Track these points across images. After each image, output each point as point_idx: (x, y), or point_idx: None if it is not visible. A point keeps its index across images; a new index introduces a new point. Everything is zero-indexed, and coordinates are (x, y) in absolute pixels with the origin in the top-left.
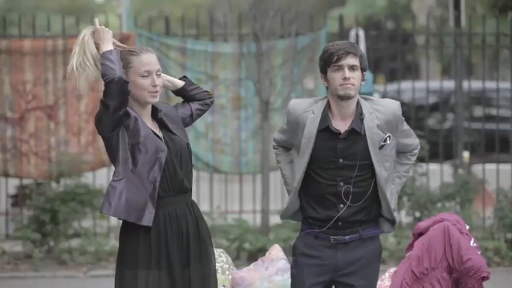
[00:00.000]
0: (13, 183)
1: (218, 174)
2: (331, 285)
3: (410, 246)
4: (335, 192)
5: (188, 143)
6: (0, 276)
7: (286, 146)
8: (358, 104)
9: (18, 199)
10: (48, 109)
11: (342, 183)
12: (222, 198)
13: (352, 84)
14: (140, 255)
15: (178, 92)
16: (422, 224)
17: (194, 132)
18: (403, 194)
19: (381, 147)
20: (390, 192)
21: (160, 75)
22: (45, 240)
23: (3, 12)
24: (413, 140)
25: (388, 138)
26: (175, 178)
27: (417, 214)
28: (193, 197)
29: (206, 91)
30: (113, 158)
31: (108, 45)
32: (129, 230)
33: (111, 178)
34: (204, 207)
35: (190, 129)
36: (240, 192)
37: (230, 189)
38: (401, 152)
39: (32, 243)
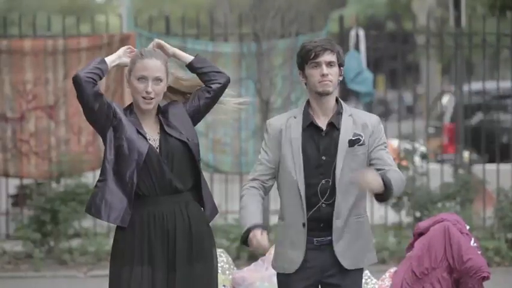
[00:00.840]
0: (13, 183)
1: (218, 174)
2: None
3: (411, 246)
4: (321, 191)
5: (189, 141)
6: (0, 276)
7: (264, 180)
8: (338, 101)
9: (19, 199)
10: (48, 109)
11: (324, 181)
12: (222, 198)
13: (330, 81)
14: (125, 252)
15: (188, 66)
16: (423, 224)
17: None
18: (403, 194)
19: (352, 143)
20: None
21: (160, 82)
22: (45, 240)
23: (3, 12)
24: (388, 159)
25: (360, 137)
26: (161, 179)
27: (417, 214)
28: None
29: (219, 71)
30: (103, 156)
31: (109, 56)
32: (118, 230)
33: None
34: None
35: None
36: (240, 192)
37: (230, 189)
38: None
39: (33, 243)
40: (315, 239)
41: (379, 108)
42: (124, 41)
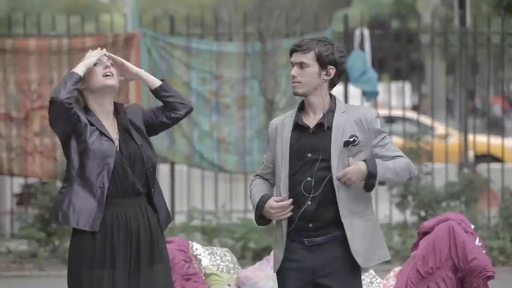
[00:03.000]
0: (18, 182)
1: (223, 174)
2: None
3: (416, 246)
4: (304, 188)
5: (142, 148)
6: (5, 275)
7: (267, 178)
8: (333, 100)
9: (23, 198)
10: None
11: (309, 178)
12: (226, 198)
13: (298, 82)
14: (85, 256)
15: (152, 91)
16: (427, 223)
17: (199, 132)
18: (407, 193)
19: (347, 144)
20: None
21: (113, 65)
22: (50, 239)
23: (8, 12)
24: (392, 153)
25: (355, 138)
26: (125, 180)
27: (422, 213)
28: (198, 196)
29: (183, 103)
30: (67, 160)
31: (77, 67)
32: (76, 231)
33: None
34: (209, 206)
35: (194, 128)
36: (245, 191)
37: (235, 189)
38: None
39: (37, 242)
40: (305, 239)
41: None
42: (128, 40)
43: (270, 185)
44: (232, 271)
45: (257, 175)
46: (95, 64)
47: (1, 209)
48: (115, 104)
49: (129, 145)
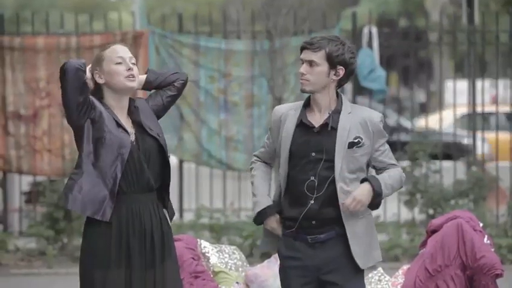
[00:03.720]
0: (27, 180)
1: (231, 172)
2: (320, 286)
3: (424, 244)
4: (307, 187)
5: (160, 137)
6: (14, 272)
7: (266, 161)
8: (340, 100)
9: (32, 196)
10: (61, 106)
11: (313, 178)
12: (235, 195)
13: (307, 80)
14: (99, 254)
15: (145, 87)
16: (436, 221)
17: (207, 130)
18: (416, 191)
19: (351, 145)
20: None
21: (135, 64)
22: (58, 237)
23: (16, 10)
24: (389, 160)
25: (360, 140)
26: (141, 175)
27: (430, 211)
28: (207, 194)
29: (175, 72)
30: (78, 149)
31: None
32: (91, 227)
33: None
34: (217, 204)
35: (202, 126)
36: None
37: (243, 187)
38: (379, 172)
39: (46, 240)
40: (308, 236)
41: (392, 105)
42: (137, 38)
43: (270, 169)
44: (240, 269)
45: (257, 156)
46: (118, 63)
47: (10, 207)
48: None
49: (145, 140)
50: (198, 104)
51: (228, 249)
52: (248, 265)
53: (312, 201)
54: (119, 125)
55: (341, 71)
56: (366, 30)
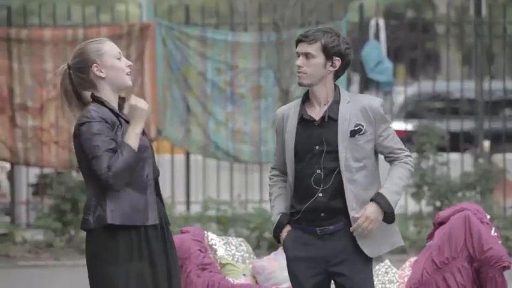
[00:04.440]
0: (34, 173)
1: (238, 164)
2: (329, 278)
3: (431, 236)
4: (314, 180)
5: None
6: (21, 264)
7: (283, 169)
8: (338, 91)
9: (39, 188)
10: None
11: (319, 171)
12: (242, 187)
13: (304, 73)
14: (120, 252)
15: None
16: (443, 214)
17: (214, 121)
18: (423, 184)
19: (353, 133)
20: (360, 187)
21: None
22: (65, 229)
23: (23, 2)
24: (395, 144)
25: (361, 127)
26: (155, 171)
27: (437, 203)
28: (214, 186)
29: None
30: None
31: (132, 139)
32: (106, 229)
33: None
34: (224, 196)
35: (209, 118)
36: (260, 181)
37: (250, 178)
38: (388, 159)
39: (53, 232)
40: (317, 228)
41: (399, 97)
42: (144, 30)
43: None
44: (247, 261)
45: (274, 168)
46: (118, 58)
47: (17, 199)
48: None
49: (145, 137)
50: (205, 96)
51: (235, 241)
52: (255, 257)
53: (320, 194)
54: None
55: (337, 62)
56: (373, 22)
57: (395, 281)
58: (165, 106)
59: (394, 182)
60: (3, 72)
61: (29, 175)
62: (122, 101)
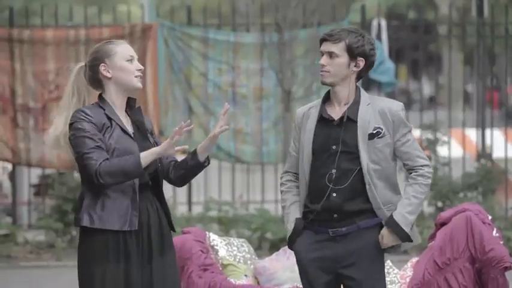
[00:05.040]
0: (35, 173)
1: (240, 164)
2: (338, 280)
3: (433, 236)
4: (328, 179)
5: (156, 144)
6: (23, 265)
7: (296, 172)
8: (358, 92)
9: (41, 189)
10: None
11: (334, 171)
12: (243, 188)
13: (327, 71)
14: (97, 252)
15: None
16: (445, 214)
17: (216, 122)
18: None
19: (371, 137)
20: (383, 190)
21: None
22: (67, 229)
23: (25, 2)
24: (414, 151)
25: (380, 130)
26: (141, 177)
27: (439, 204)
28: (215, 187)
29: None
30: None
31: (146, 158)
32: (86, 230)
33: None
34: (226, 196)
35: (211, 118)
36: (262, 182)
37: (252, 179)
38: (405, 167)
39: (55, 232)
40: (329, 229)
41: (401, 98)
42: (146, 31)
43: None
44: (249, 262)
45: (286, 172)
46: (129, 60)
47: (19, 200)
48: (128, 98)
49: (143, 140)
50: (206, 97)
51: (237, 242)
52: (257, 258)
53: (334, 194)
54: (123, 130)
55: (361, 62)
56: (375, 23)
57: (396, 281)
58: (167, 106)
59: (410, 201)
60: (5, 72)
61: (31, 176)
62: (133, 102)
